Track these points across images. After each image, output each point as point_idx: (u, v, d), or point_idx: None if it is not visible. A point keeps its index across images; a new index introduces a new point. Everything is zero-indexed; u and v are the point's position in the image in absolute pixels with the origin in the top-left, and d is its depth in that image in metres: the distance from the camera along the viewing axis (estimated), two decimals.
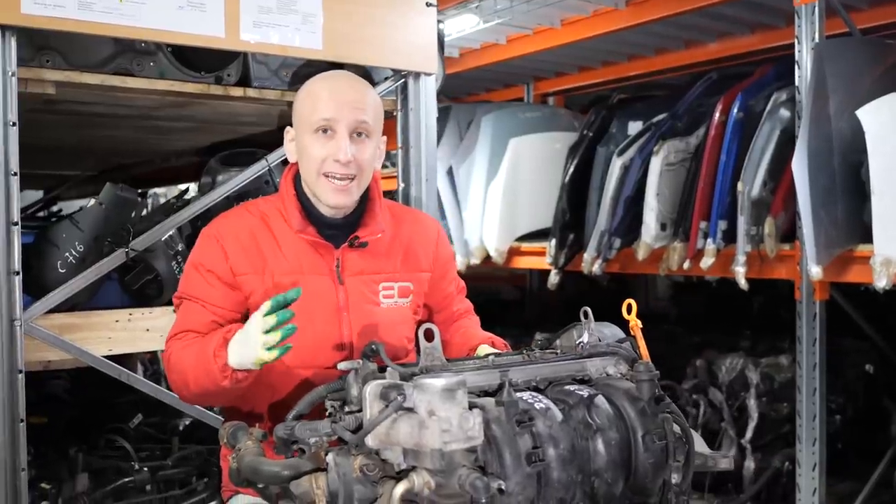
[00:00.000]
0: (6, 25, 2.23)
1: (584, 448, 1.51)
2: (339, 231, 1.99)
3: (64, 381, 4.16)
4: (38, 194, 6.07)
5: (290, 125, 2.03)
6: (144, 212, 3.50)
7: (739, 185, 3.64)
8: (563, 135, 4.91)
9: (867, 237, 3.22)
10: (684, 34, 4.77)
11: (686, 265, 3.92)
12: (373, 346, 1.61)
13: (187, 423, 3.66)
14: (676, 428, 1.60)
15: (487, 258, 4.84)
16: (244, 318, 1.96)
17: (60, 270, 2.69)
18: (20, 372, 2.33)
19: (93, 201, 2.93)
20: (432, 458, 1.35)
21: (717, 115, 3.84)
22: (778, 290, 4.61)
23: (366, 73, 2.89)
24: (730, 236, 3.78)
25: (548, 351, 1.78)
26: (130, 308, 2.80)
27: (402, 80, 2.99)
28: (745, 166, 3.66)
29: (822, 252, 3.29)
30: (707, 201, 3.83)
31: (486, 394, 1.53)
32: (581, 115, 5.21)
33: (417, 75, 2.98)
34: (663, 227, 4.02)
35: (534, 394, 1.55)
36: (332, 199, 1.94)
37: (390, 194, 2.95)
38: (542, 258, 4.59)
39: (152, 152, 4.26)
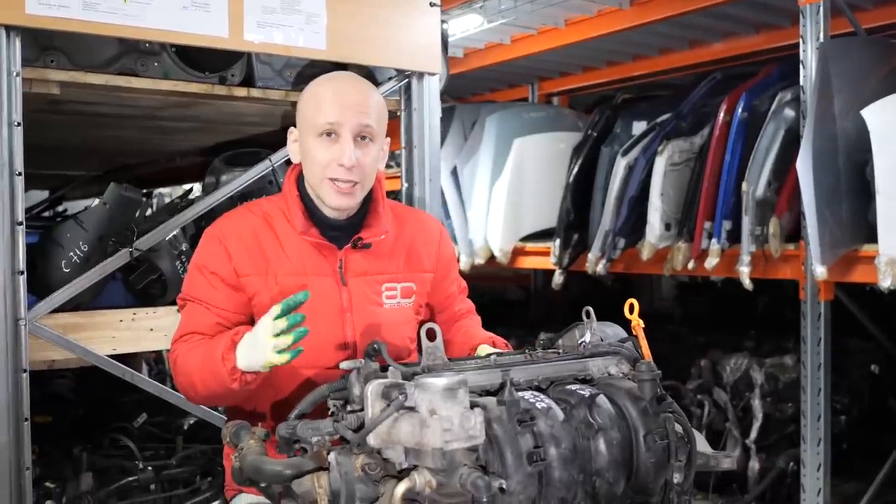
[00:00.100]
0: (10, 26, 2.24)
1: (586, 447, 1.51)
2: (342, 232, 2.00)
3: (69, 380, 4.17)
4: (43, 194, 6.08)
5: (294, 126, 2.03)
6: (149, 211, 3.51)
7: (744, 185, 3.64)
8: (567, 135, 4.90)
9: (872, 237, 3.21)
10: (689, 34, 4.76)
11: (690, 265, 3.92)
12: (375, 346, 1.62)
13: (192, 422, 3.67)
14: (678, 427, 1.60)
15: (492, 258, 4.83)
16: (249, 318, 1.97)
17: (65, 270, 2.69)
18: (24, 371, 2.33)
19: (97, 201, 2.93)
20: (434, 457, 1.35)
21: (721, 114, 3.84)
22: (783, 291, 4.60)
23: (369, 73, 2.90)
24: (734, 236, 3.77)
25: (550, 350, 1.78)
26: (134, 308, 2.80)
27: (406, 80, 2.99)
28: (749, 166, 3.66)
29: (827, 252, 3.29)
30: (711, 201, 3.82)
31: (488, 393, 1.53)
32: (585, 115, 5.21)
33: (421, 75, 2.98)
34: (668, 227, 4.01)
35: (535, 393, 1.55)
36: (336, 202, 1.95)
37: (394, 194, 2.95)
38: (547, 258, 4.59)
39: (157, 152, 4.27)
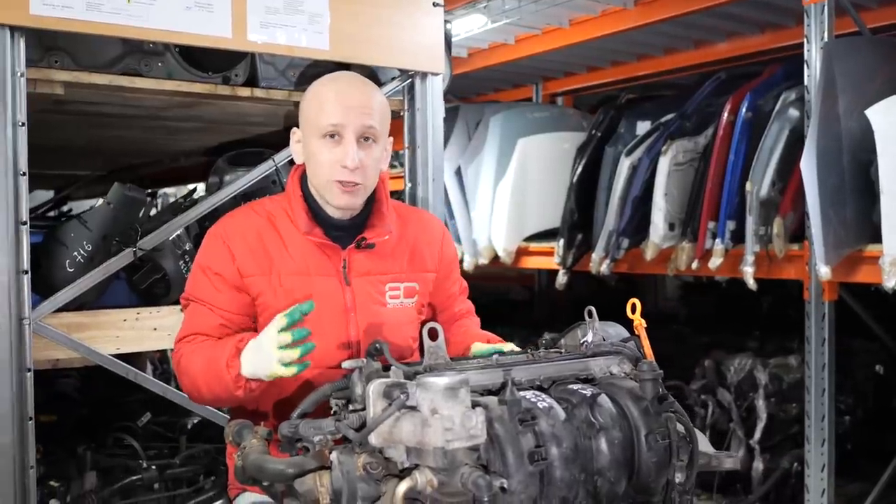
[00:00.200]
0: (15, 26, 2.25)
1: (587, 447, 1.51)
2: (346, 232, 2.00)
3: (73, 379, 4.18)
4: (48, 194, 6.10)
5: (297, 126, 2.03)
6: (153, 211, 3.51)
7: (748, 185, 3.63)
8: (571, 135, 4.90)
9: (876, 237, 3.21)
10: (693, 34, 4.76)
11: (694, 265, 3.91)
12: (377, 346, 1.62)
13: (195, 421, 3.68)
14: (680, 427, 1.60)
15: (496, 258, 4.84)
16: (252, 319, 1.98)
17: (69, 269, 2.70)
18: (29, 370, 2.34)
19: (101, 201, 2.94)
20: (435, 456, 1.36)
21: (725, 114, 3.83)
22: (787, 291, 4.60)
23: (372, 74, 2.90)
24: (738, 236, 3.77)
25: (552, 350, 1.78)
26: (138, 307, 2.81)
27: (409, 80, 2.99)
28: (753, 166, 3.65)
29: (831, 252, 3.28)
30: (715, 201, 3.82)
31: (490, 393, 1.53)
32: (590, 115, 5.20)
33: (424, 75, 2.98)
34: (671, 227, 4.01)
35: (537, 393, 1.55)
36: (340, 202, 1.95)
37: (397, 194, 2.96)
38: (551, 258, 4.59)
39: (161, 152, 4.28)
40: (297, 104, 2.83)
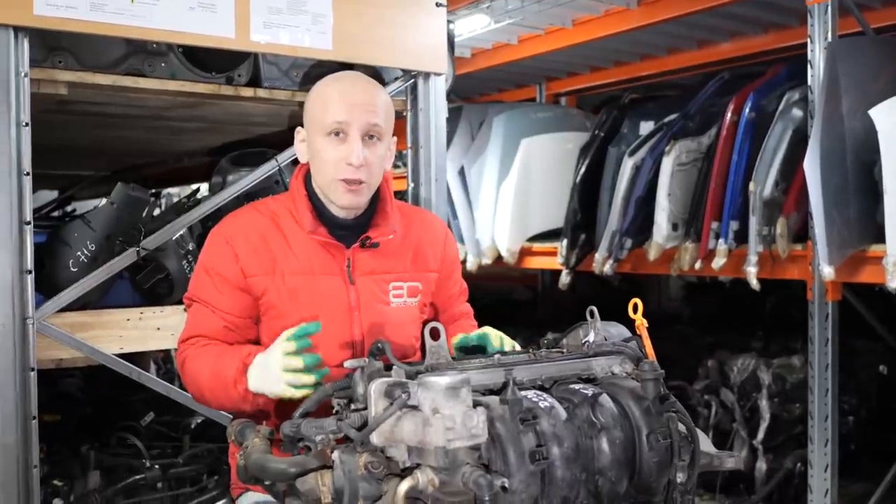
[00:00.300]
0: (19, 26, 2.25)
1: (589, 447, 1.51)
2: (350, 231, 2.00)
3: (77, 379, 4.19)
4: (53, 194, 6.11)
5: (301, 125, 2.04)
6: (157, 211, 3.52)
7: (751, 185, 3.63)
8: (574, 135, 4.90)
9: (880, 237, 3.20)
10: (696, 34, 4.76)
11: (697, 265, 3.91)
12: (379, 345, 1.62)
13: (199, 421, 3.68)
14: (682, 427, 1.60)
15: (499, 258, 4.84)
16: (255, 320, 1.98)
17: (72, 269, 2.71)
18: (32, 370, 2.34)
19: (105, 201, 2.95)
20: (436, 455, 1.36)
21: (728, 114, 3.83)
22: (790, 291, 4.60)
23: (375, 74, 2.90)
24: (741, 236, 3.76)
25: (554, 350, 1.78)
26: (141, 307, 2.81)
27: (412, 80, 2.99)
28: (756, 166, 3.65)
29: (835, 252, 3.28)
30: (719, 201, 3.81)
31: (491, 392, 1.53)
32: (593, 115, 5.21)
33: (427, 75, 2.99)
34: (675, 227, 4.01)
35: (538, 392, 1.55)
36: (345, 200, 1.95)
37: (400, 194, 2.95)
38: (554, 258, 4.59)
39: (164, 152, 4.29)
40: (300, 104, 2.83)
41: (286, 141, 2.84)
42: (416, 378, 1.42)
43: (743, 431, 4.10)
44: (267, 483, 1.56)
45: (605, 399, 1.56)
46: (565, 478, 1.45)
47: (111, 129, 3.37)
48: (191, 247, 3.00)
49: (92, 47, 2.49)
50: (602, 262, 4.24)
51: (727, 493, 4.16)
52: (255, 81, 2.81)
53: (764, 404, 4.06)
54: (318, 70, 2.83)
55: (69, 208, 5.74)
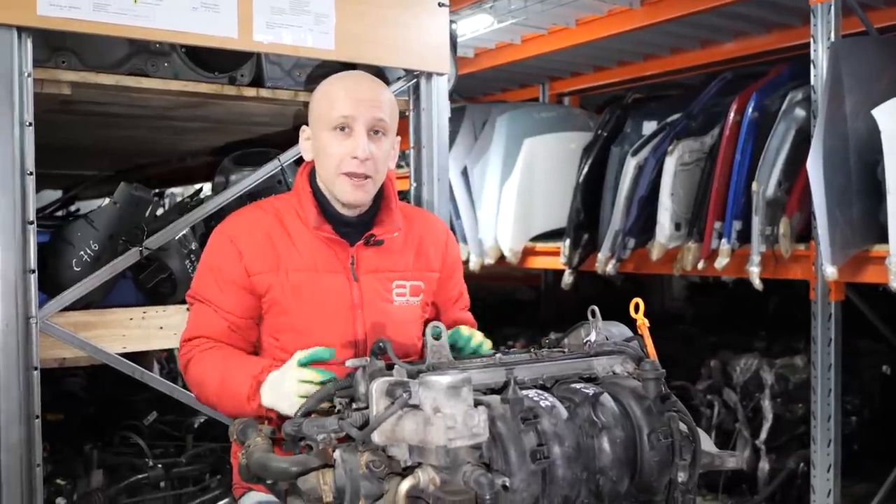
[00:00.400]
0: (22, 27, 2.26)
1: (590, 446, 1.51)
2: (354, 229, 2.01)
3: (80, 378, 4.20)
4: (56, 194, 6.12)
5: (306, 124, 2.05)
6: (160, 211, 3.52)
7: (754, 185, 3.63)
8: (577, 135, 4.89)
9: (883, 237, 3.20)
10: (699, 34, 4.75)
11: (700, 265, 3.91)
12: (381, 344, 1.62)
13: (202, 420, 3.69)
14: (683, 426, 1.60)
15: (502, 258, 4.83)
16: (257, 320, 1.99)
17: (75, 269, 2.71)
18: (35, 369, 2.35)
19: (108, 200, 2.95)
20: (437, 454, 1.36)
21: (731, 114, 3.83)
22: (793, 291, 4.59)
23: (378, 74, 2.90)
24: (744, 236, 3.76)
25: (555, 350, 1.79)
26: (144, 306, 2.82)
27: (415, 80, 2.99)
28: (759, 166, 3.65)
29: (838, 252, 3.27)
30: (722, 201, 3.81)
31: (492, 391, 1.54)
32: (596, 115, 5.20)
33: (430, 75, 2.99)
34: (678, 227, 4.00)
35: (539, 391, 1.56)
36: (350, 196, 1.96)
37: (403, 194, 2.95)
38: (557, 258, 4.58)
39: (168, 152, 4.29)
40: (303, 104, 2.86)
41: (289, 141, 2.85)
42: (417, 377, 1.42)
43: (746, 431, 4.10)
44: (269, 482, 1.56)
45: (606, 398, 1.56)
46: (566, 477, 1.46)
47: (114, 128, 3.37)
48: (194, 246, 3.01)
49: (95, 47, 2.50)
50: (605, 262, 4.24)
51: (730, 494, 4.15)
52: (257, 81, 2.81)
53: (767, 404, 4.05)
54: (321, 70, 2.84)
55: (73, 208, 5.74)
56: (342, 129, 1.93)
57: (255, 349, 2.03)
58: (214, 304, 1.95)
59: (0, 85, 2.25)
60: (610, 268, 4.22)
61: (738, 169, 3.76)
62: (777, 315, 5.17)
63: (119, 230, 2.82)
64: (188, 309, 2.06)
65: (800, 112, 3.67)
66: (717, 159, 3.84)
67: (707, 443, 1.68)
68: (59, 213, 5.55)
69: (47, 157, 2.51)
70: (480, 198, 4.88)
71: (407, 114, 3.03)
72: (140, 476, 3.32)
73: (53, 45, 2.44)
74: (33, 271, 2.34)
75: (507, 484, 1.38)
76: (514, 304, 6.55)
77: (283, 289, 1.94)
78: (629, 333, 1.81)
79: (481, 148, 4.93)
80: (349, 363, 1.56)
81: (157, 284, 2.98)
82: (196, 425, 3.69)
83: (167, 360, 5.06)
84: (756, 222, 3.64)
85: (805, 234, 3.66)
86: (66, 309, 2.56)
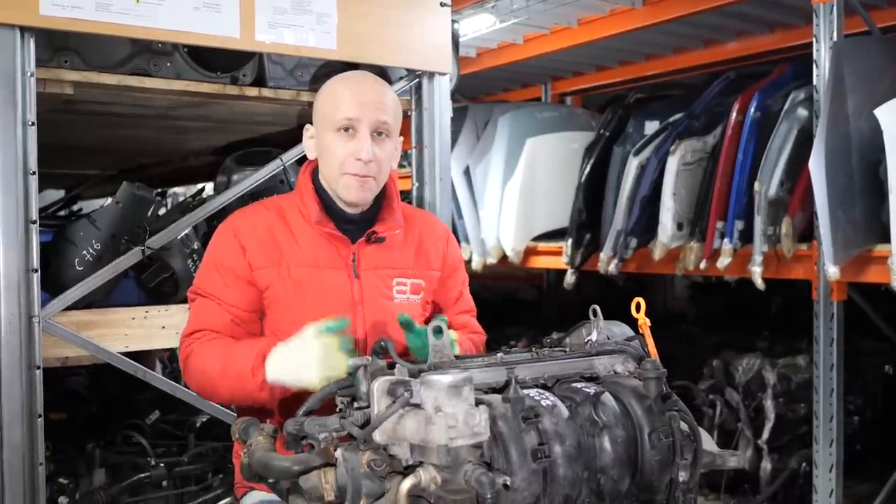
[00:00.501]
0: (25, 26, 2.27)
1: (591, 445, 1.51)
2: (356, 226, 2.02)
3: (82, 377, 4.20)
4: (59, 193, 6.13)
5: (309, 123, 2.05)
6: (162, 210, 3.53)
7: (756, 185, 3.63)
8: (579, 134, 4.89)
9: (885, 237, 3.20)
10: (701, 33, 4.75)
11: (703, 265, 3.91)
12: (382, 343, 1.62)
13: (204, 419, 3.70)
14: (684, 426, 1.60)
15: (504, 258, 4.83)
16: (259, 315, 1.99)
17: (78, 268, 2.72)
18: (38, 368, 2.36)
19: (110, 200, 2.96)
20: (438, 453, 1.36)
21: (734, 114, 3.82)
22: (796, 291, 4.58)
23: (380, 73, 2.91)
24: (747, 236, 3.76)
25: (557, 349, 1.79)
26: (147, 305, 2.82)
27: (417, 79, 3.00)
28: (762, 166, 3.64)
29: (840, 252, 3.27)
30: (724, 201, 3.81)
31: (494, 390, 1.54)
32: (598, 115, 5.20)
33: (432, 75, 2.99)
34: (680, 226, 4.00)
35: (540, 391, 1.55)
36: (353, 195, 1.97)
37: (404, 194, 2.96)
38: (559, 258, 4.59)
39: (170, 152, 4.30)
40: (305, 104, 2.86)
41: (291, 140, 2.86)
42: (418, 376, 1.42)
43: (748, 431, 4.09)
44: (270, 481, 1.56)
45: (607, 397, 1.56)
46: (567, 476, 1.46)
47: (117, 128, 3.38)
48: (196, 246, 3.01)
49: (98, 47, 2.50)
50: (607, 262, 4.24)
51: (732, 493, 4.15)
52: (259, 81, 2.82)
53: (769, 404, 4.05)
54: (323, 70, 2.84)
55: (75, 207, 5.76)
56: (346, 130, 1.94)
57: None
58: (218, 298, 1.96)
59: (3, 85, 2.26)
60: (612, 267, 4.22)
61: (740, 169, 3.76)
62: (779, 315, 5.17)
63: (121, 230, 2.82)
64: (189, 305, 2.06)
65: (802, 112, 3.67)
66: (720, 159, 3.84)
67: (708, 442, 1.68)
68: (62, 213, 5.56)
69: (50, 156, 2.52)
70: (483, 197, 4.89)
71: (409, 113, 3.04)
72: (142, 475, 3.33)
73: (56, 45, 2.44)
74: (36, 270, 2.34)
75: (508, 483, 1.38)
76: (516, 304, 6.56)
77: (285, 285, 1.95)
78: (630, 333, 1.81)
79: (483, 148, 4.93)
80: (350, 362, 1.56)
81: (159, 284, 2.99)
82: (198, 424, 3.70)
83: (169, 360, 5.06)
84: (758, 222, 3.64)
85: (807, 233, 3.66)
86: (69, 308, 2.57)
